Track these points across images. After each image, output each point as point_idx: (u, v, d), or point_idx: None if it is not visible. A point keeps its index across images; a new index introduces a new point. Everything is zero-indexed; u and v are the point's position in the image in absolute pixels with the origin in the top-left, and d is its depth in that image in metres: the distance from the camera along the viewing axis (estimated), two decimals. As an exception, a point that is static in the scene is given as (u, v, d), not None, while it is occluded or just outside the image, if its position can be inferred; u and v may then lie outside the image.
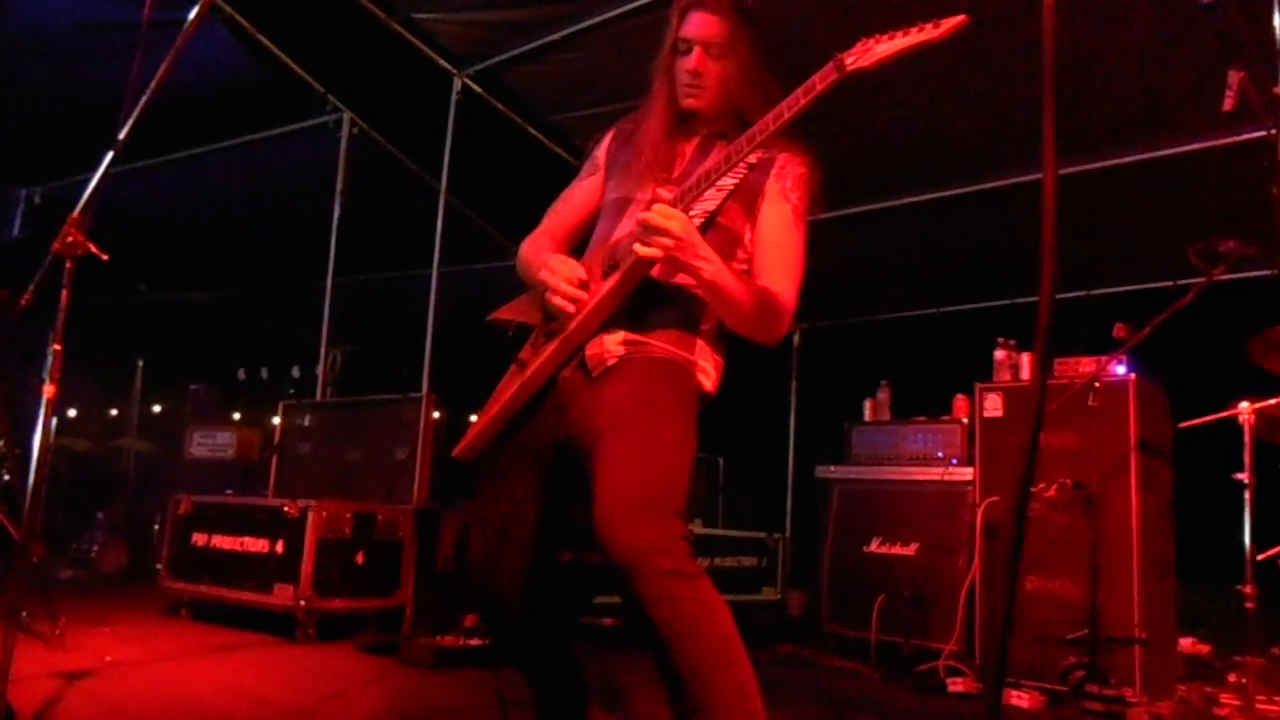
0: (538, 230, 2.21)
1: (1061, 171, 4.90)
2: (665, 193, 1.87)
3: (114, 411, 8.92)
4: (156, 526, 6.02)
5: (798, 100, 1.73)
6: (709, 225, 1.93)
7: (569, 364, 1.94)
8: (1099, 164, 4.74)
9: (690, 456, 1.84)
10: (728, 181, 1.92)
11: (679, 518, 1.73)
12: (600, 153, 2.22)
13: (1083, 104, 4.30)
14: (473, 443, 2.00)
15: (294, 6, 4.56)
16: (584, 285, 1.93)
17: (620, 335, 1.91)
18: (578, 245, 2.18)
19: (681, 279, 1.91)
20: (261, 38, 5.07)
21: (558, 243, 2.15)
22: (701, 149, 2.05)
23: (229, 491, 5.89)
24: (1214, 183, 4.62)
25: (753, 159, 1.93)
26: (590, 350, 1.91)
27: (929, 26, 1.65)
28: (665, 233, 1.75)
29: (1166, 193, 4.91)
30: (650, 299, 1.92)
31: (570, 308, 1.91)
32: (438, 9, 4.79)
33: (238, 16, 4.91)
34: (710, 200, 1.93)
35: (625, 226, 1.98)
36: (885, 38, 1.69)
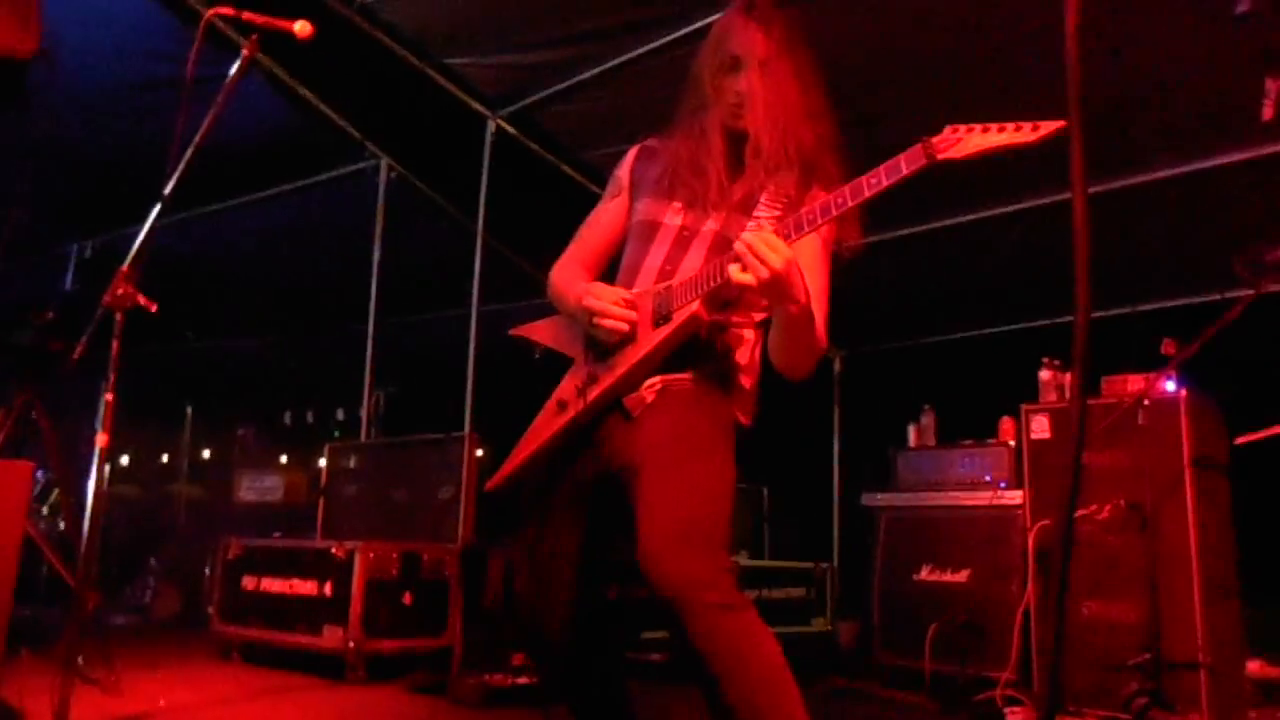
0: (566, 256, 2.18)
1: (1103, 187, 4.87)
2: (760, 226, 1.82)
3: (164, 458, 9.07)
4: (207, 571, 6.09)
5: (880, 180, 1.65)
6: None
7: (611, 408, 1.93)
8: (1140, 178, 4.68)
9: (731, 487, 1.83)
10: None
11: (723, 549, 1.73)
12: (624, 173, 2.18)
13: (1122, 119, 4.26)
14: (508, 478, 2.01)
15: (331, 57, 4.65)
16: (630, 306, 1.91)
17: (658, 379, 1.90)
18: (608, 268, 2.17)
19: (735, 317, 1.90)
20: (300, 88, 5.20)
21: (589, 269, 2.13)
22: (732, 170, 2.01)
23: (277, 534, 5.95)
24: (1260, 192, 4.54)
25: (788, 192, 1.92)
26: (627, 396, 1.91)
27: (1027, 128, 1.56)
28: (766, 264, 1.66)
29: (1211, 204, 4.83)
30: (694, 342, 1.90)
31: (624, 327, 1.88)
32: (470, 53, 4.87)
33: (276, 69, 5.03)
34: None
35: (658, 254, 1.97)
36: (978, 129, 1.61)
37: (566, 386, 2.01)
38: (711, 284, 1.81)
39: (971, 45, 4.03)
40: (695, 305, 1.82)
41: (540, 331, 2.14)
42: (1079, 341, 0.94)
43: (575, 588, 1.95)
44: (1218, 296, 5.06)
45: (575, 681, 2.03)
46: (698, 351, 1.91)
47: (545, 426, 1.99)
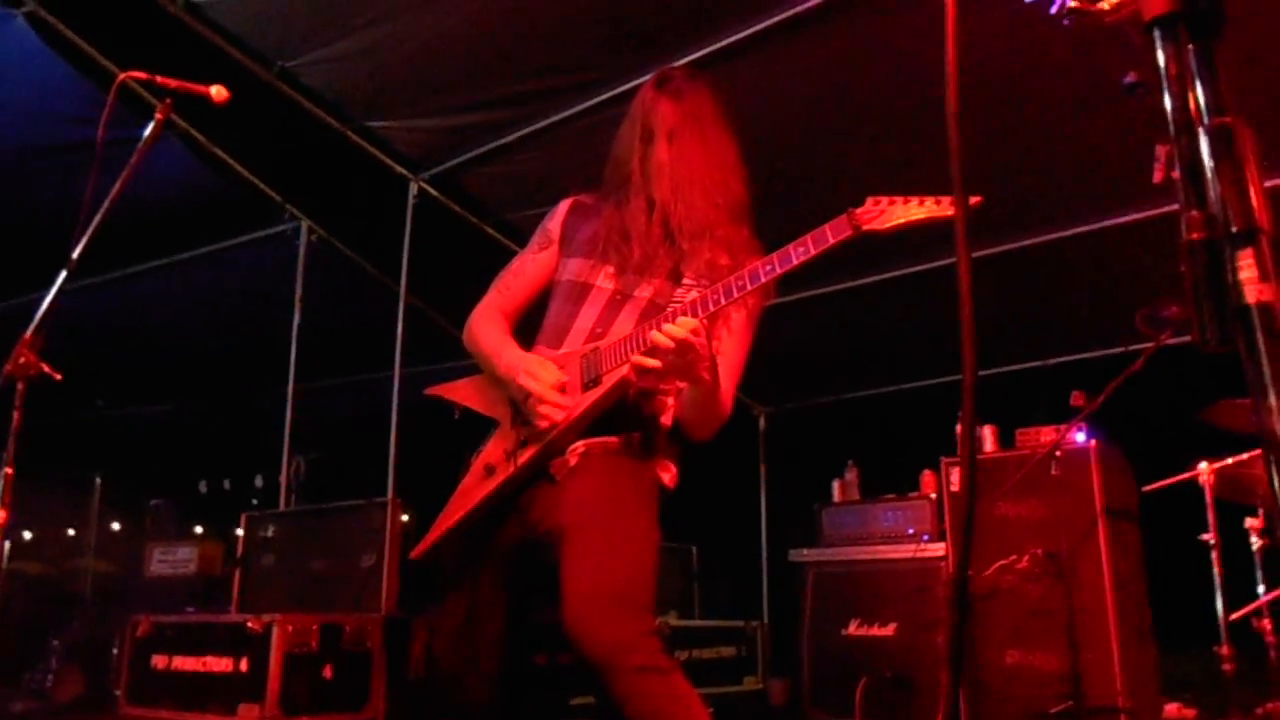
0: (486, 304, 2.17)
1: (1012, 245, 5.03)
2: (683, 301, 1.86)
3: (71, 531, 8.68)
4: (115, 650, 5.81)
5: (807, 249, 1.73)
6: None
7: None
8: (1046, 237, 4.89)
9: (655, 548, 1.85)
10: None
11: (648, 612, 1.74)
12: (555, 225, 2.19)
13: (1027, 182, 4.45)
14: (434, 545, 1.98)
15: (250, 120, 4.61)
16: (561, 389, 1.91)
17: (580, 444, 1.91)
18: (525, 319, 2.17)
19: (661, 383, 1.93)
20: (217, 150, 5.13)
21: (508, 318, 2.13)
22: (662, 237, 2.04)
23: (190, 609, 5.72)
24: (1161, 250, 4.76)
25: (718, 259, 1.95)
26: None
27: (946, 202, 1.67)
28: (689, 348, 1.74)
29: (1113, 261, 5.05)
30: (619, 405, 1.92)
31: (559, 416, 1.87)
32: (392, 117, 4.89)
33: (193, 131, 4.97)
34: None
35: (589, 316, 1.98)
36: (900, 201, 1.70)
37: (493, 451, 1.99)
38: (639, 350, 1.83)
39: (887, 110, 4.19)
40: (625, 369, 1.84)
41: (460, 391, 2.12)
42: (967, 406, 0.98)
43: (500, 655, 1.93)
44: (1121, 350, 5.28)
45: None
46: (624, 415, 1.93)
47: (472, 491, 1.97)
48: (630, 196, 2.05)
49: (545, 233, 2.20)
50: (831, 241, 1.71)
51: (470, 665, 1.92)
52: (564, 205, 2.23)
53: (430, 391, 2.14)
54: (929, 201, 1.68)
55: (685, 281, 1.96)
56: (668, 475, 1.99)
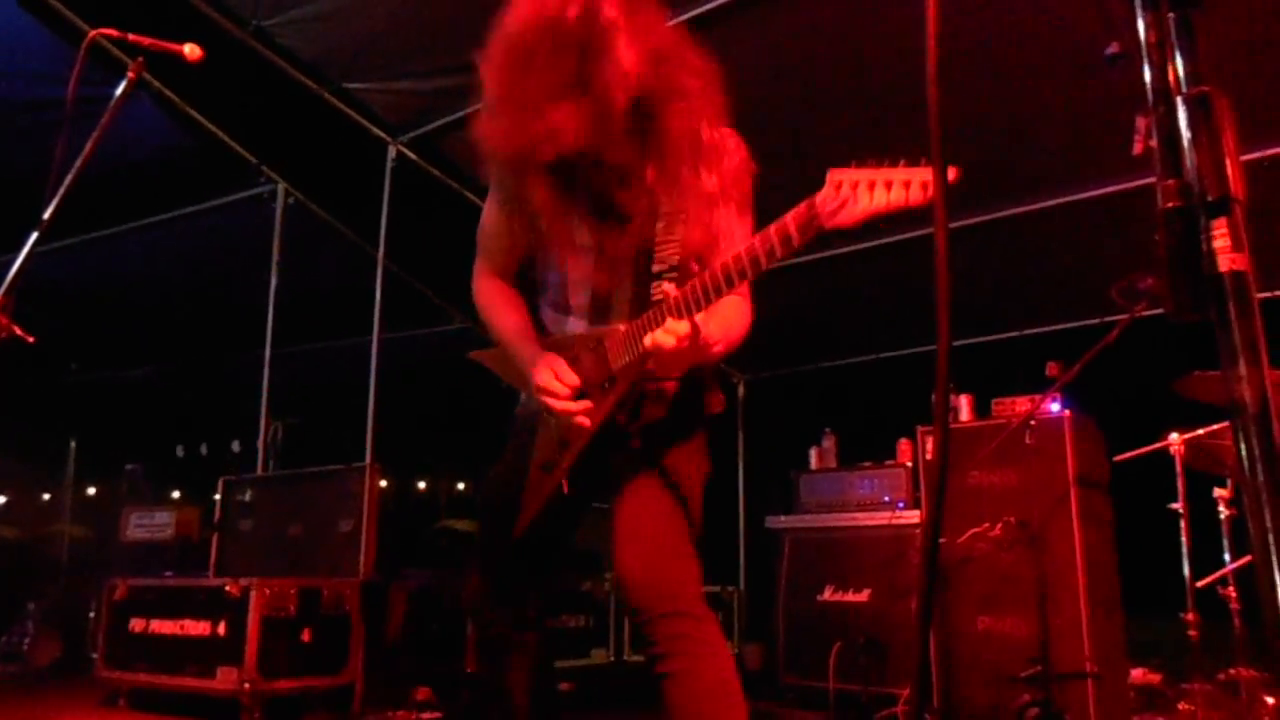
0: (480, 267, 2.13)
1: (989, 216, 5.05)
2: (671, 289, 1.82)
3: (46, 496, 8.63)
4: (92, 614, 5.80)
5: (774, 250, 1.65)
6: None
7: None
8: (1025, 208, 4.90)
9: (701, 496, 2.00)
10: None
11: (693, 561, 1.90)
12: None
13: (1008, 153, 4.46)
14: (526, 525, 2.04)
15: (225, 80, 4.54)
16: (579, 394, 1.91)
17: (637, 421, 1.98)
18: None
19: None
20: (191, 111, 5.05)
21: (508, 274, 2.11)
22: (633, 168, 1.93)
23: (168, 574, 5.71)
24: (1138, 221, 4.79)
25: (687, 184, 1.90)
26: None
27: (918, 177, 1.51)
28: (680, 355, 1.76)
29: (1096, 232, 5.08)
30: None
31: (582, 420, 1.90)
32: (370, 79, 4.82)
33: (166, 91, 4.89)
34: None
35: (581, 277, 1.97)
36: (864, 182, 1.55)
37: (544, 445, 2.03)
38: (640, 346, 1.82)
39: (864, 79, 4.17)
40: (633, 370, 1.89)
41: (495, 360, 2.12)
42: (940, 375, 0.99)
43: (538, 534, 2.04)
44: (1097, 321, 5.33)
45: (515, 592, 2.09)
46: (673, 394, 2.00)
47: (537, 490, 2.01)
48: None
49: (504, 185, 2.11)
50: (797, 245, 1.63)
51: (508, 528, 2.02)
52: None
53: (474, 356, 2.17)
54: (897, 182, 1.52)
55: (663, 212, 1.91)
56: (717, 401, 2.10)
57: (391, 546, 4.69)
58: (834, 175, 1.56)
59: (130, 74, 2.33)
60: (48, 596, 6.55)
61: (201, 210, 5.84)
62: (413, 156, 5.30)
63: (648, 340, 1.76)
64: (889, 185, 1.53)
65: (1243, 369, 0.73)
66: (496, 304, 2.09)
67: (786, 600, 4.95)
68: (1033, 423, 3.87)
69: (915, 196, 1.51)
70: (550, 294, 2.06)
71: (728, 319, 1.91)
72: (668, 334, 1.73)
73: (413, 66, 4.65)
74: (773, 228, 1.65)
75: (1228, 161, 0.76)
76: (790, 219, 1.62)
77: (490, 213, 2.08)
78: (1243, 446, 0.72)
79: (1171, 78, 0.81)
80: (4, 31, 4.34)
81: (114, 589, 4.57)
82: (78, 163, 2.25)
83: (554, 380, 1.91)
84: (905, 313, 6.31)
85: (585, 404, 1.89)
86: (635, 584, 1.84)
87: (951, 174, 1.37)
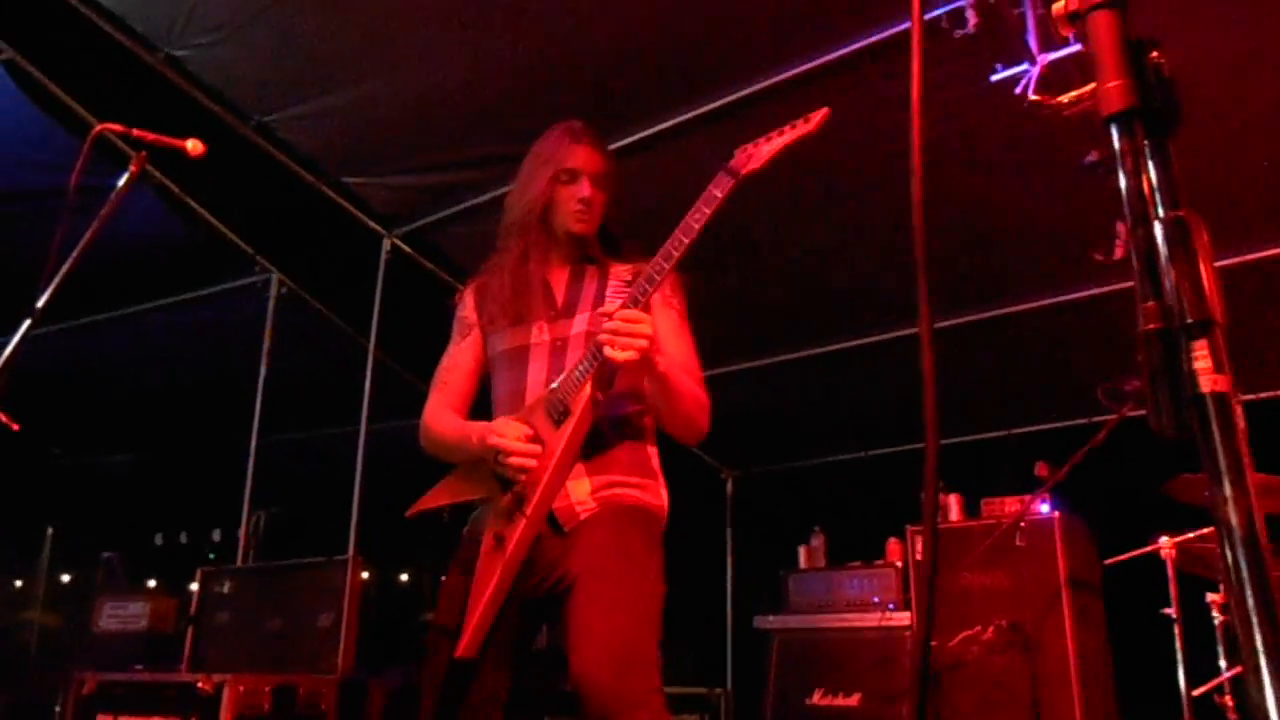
0: (433, 404, 2.19)
1: (977, 316, 5.10)
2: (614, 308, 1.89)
3: (19, 583, 8.44)
4: (57, 709, 5.61)
5: (702, 212, 1.82)
6: None
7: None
8: (1012, 308, 4.96)
9: (661, 604, 1.91)
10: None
11: (655, 668, 1.80)
12: (468, 312, 2.25)
13: (993, 253, 4.54)
14: (472, 638, 1.89)
15: (224, 171, 4.61)
16: (534, 439, 1.91)
17: (586, 485, 1.93)
18: (473, 407, 2.18)
19: (630, 408, 1.98)
20: (190, 201, 5.12)
21: (460, 412, 2.16)
22: (575, 276, 2.13)
23: (139, 667, 5.55)
24: (1120, 323, 4.85)
25: (626, 275, 2.03)
26: (559, 505, 1.91)
27: (800, 123, 1.78)
28: (640, 335, 1.79)
29: (1083, 332, 5.13)
30: (602, 436, 1.95)
31: (532, 463, 1.88)
32: (366, 173, 4.91)
33: (166, 181, 4.96)
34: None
35: (538, 371, 2.00)
36: (762, 140, 1.81)
37: (495, 520, 1.96)
38: (593, 366, 1.86)
39: (852, 180, 4.27)
40: (587, 389, 1.87)
41: (438, 496, 2.11)
42: (929, 480, 0.99)
43: (500, 710, 1.93)
44: (1085, 421, 5.35)
45: None
46: (618, 449, 1.98)
47: (488, 569, 1.91)
48: (546, 242, 2.15)
49: (463, 322, 2.26)
50: (721, 197, 1.80)
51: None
52: (468, 292, 2.29)
53: (411, 513, 2.12)
54: (787, 128, 1.79)
55: (609, 296, 2.04)
56: (664, 504, 2.04)
57: (372, 641, 4.58)
58: (739, 148, 1.85)
59: (133, 167, 2.37)
60: (14, 688, 6.35)
61: (194, 298, 5.88)
62: (406, 249, 5.36)
63: (605, 324, 1.82)
64: (781, 132, 1.81)
65: (1228, 490, 0.73)
66: (439, 417, 2.15)
67: (775, 703, 4.84)
68: (1023, 524, 3.86)
69: (804, 130, 1.79)
70: (504, 403, 2.09)
71: (686, 373, 1.98)
72: (631, 320, 1.80)
73: (409, 162, 4.74)
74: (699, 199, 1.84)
75: (1205, 284, 0.78)
76: (711, 186, 1.82)
77: (450, 351, 2.23)
78: (1231, 571, 0.72)
79: (1148, 201, 0.84)
80: (11, 123, 4.42)
81: (81, 683, 4.43)
82: (75, 251, 2.27)
83: (504, 426, 1.94)
84: (895, 410, 6.33)
85: (535, 447, 1.89)
86: (602, 691, 1.72)
87: (823, 112, 1.78)
